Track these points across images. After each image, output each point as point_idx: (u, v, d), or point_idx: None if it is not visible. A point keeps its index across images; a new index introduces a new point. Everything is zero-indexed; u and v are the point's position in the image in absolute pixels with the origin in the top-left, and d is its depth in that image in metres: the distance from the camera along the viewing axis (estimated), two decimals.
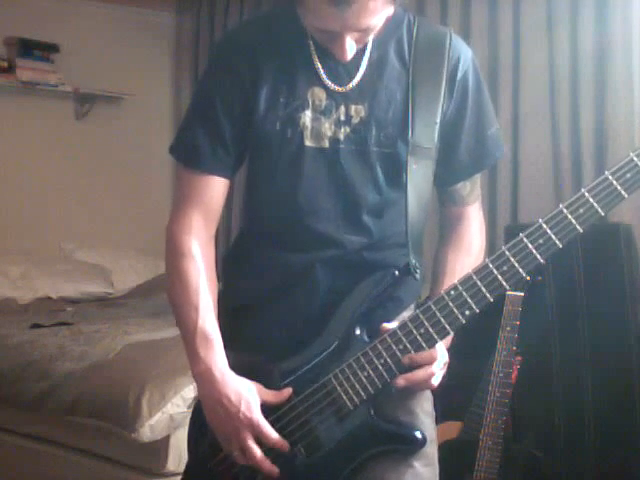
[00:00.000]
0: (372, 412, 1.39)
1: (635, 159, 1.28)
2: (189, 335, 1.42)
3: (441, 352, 1.40)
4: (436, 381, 1.40)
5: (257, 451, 1.37)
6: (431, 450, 1.45)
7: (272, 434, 1.38)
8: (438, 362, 1.39)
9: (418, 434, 1.40)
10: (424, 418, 1.47)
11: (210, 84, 1.49)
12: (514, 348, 2.49)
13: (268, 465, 1.38)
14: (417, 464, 1.41)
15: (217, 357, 1.41)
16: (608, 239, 2.82)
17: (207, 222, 1.48)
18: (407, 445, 1.41)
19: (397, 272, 1.41)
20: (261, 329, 1.48)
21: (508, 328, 2.49)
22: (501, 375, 2.48)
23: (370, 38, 1.40)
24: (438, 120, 1.44)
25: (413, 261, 1.42)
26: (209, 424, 1.43)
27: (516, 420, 2.76)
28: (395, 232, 1.47)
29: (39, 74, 4.46)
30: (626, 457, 2.73)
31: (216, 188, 1.48)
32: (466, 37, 3.76)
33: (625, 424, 2.73)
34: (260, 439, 1.38)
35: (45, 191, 4.60)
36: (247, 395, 1.38)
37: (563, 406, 2.82)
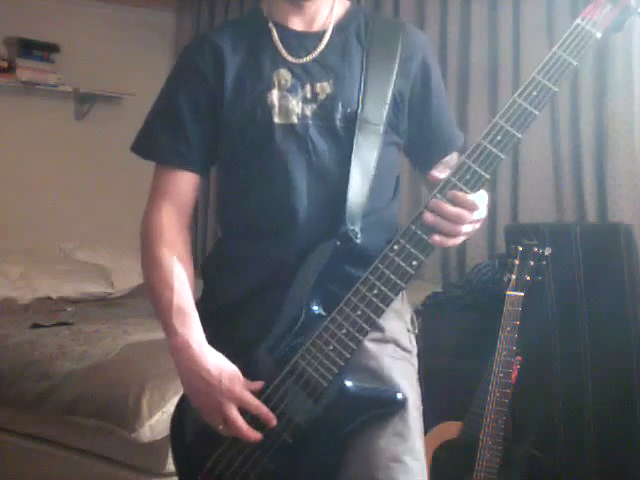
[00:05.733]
0: (347, 383, 1.39)
1: (537, 77, 1.36)
2: (165, 312, 1.45)
3: (481, 202, 1.36)
4: (466, 229, 1.37)
5: (241, 421, 1.38)
6: (419, 445, 1.45)
7: (255, 402, 1.38)
8: (478, 212, 1.36)
9: (399, 395, 1.40)
10: (409, 399, 1.44)
11: (174, 81, 1.57)
12: (514, 348, 2.49)
13: (252, 433, 1.38)
14: (407, 458, 1.40)
15: (194, 332, 1.43)
16: (608, 239, 2.82)
17: (179, 213, 1.53)
18: (388, 407, 1.40)
19: (338, 242, 1.41)
20: (243, 329, 1.48)
21: (508, 328, 2.49)
22: (501, 375, 2.48)
23: (331, 25, 1.51)
24: (388, 101, 1.48)
25: (351, 227, 1.42)
26: (190, 399, 1.44)
27: (516, 420, 2.76)
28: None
29: (39, 74, 4.46)
30: (626, 457, 2.73)
31: (182, 182, 1.53)
32: (466, 37, 3.77)
33: (625, 424, 2.73)
34: (244, 409, 1.38)
35: (45, 191, 4.60)
36: (227, 367, 1.40)
37: (563, 406, 2.82)
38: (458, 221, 1.34)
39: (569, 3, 3.39)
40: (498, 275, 2.90)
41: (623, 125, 3.25)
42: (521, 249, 2.54)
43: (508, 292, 2.51)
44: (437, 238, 1.34)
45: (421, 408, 1.50)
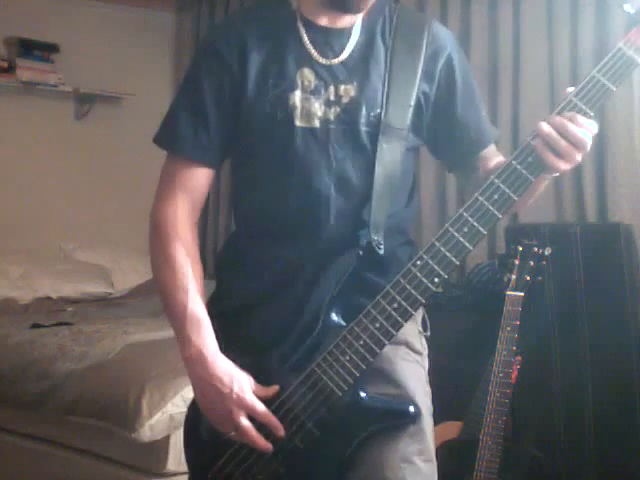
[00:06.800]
0: (361, 394, 1.38)
1: (574, 100, 1.30)
2: (179, 318, 1.43)
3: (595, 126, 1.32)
4: (582, 151, 1.31)
5: (252, 429, 1.38)
6: (430, 446, 1.45)
7: (264, 411, 1.38)
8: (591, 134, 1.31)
9: (411, 408, 1.39)
10: (421, 403, 1.44)
11: (198, 70, 1.50)
12: (514, 348, 2.49)
13: (263, 442, 1.38)
14: (417, 460, 1.41)
15: (208, 340, 1.42)
16: (608, 239, 2.82)
17: (192, 208, 1.50)
18: (400, 420, 1.40)
19: (361, 252, 1.40)
20: (256, 329, 1.47)
21: (508, 328, 2.49)
22: (501, 375, 2.48)
23: (358, 21, 1.47)
24: (412, 103, 1.45)
25: (375, 238, 1.41)
26: (201, 408, 1.43)
27: (516, 420, 2.76)
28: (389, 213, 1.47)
29: (39, 74, 4.46)
30: (626, 457, 2.73)
31: (199, 176, 1.50)
32: (466, 37, 3.77)
33: (625, 424, 2.73)
34: (253, 417, 1.38)
35: (45, 191, 4.60)
36: (239, 376, 1.40)
37: (563, 406, 2.82)
38: (579, 144, 1.30)
39: (569, 3, 3.40)
40: (498, 275, 2.90)
41: (623, 125, 3.25)
42: (521, 249, 2.54)
43: (508, 292, 2.51)
44: (552, 157, 1.30)
45: (431, 409, 1.50)
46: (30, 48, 4.45)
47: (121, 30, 4.87)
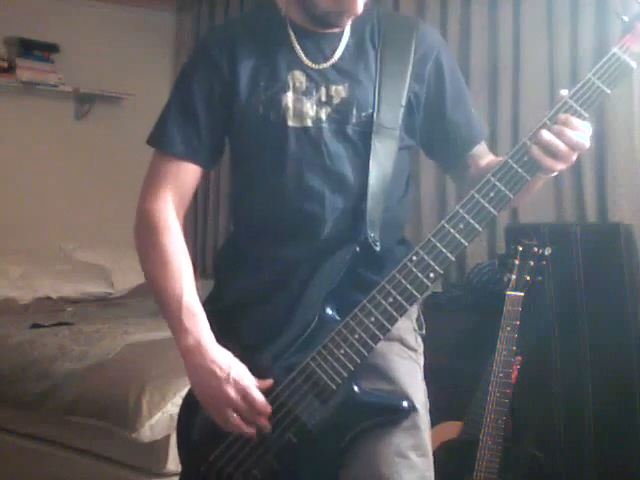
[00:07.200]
0: (355, 388, 1.39)
1: (569, 101, 1.33)
2: (175, 310, 1.44)
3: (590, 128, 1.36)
4: (578, 152, 1.34)
5: (249, 410, 1.39)
6: (426, 441, 1.46)
7: (260, 397, 1.39)
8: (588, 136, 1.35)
9: (404, 403, 1.40)
10: (416, 398, 1.45)
11: (189, 74, 1.54)
12: (514, 348, 2.49)
13: (264, 421, 1.39)
14: (412, 454, 1.41)
15: (204, 330, 1.43)
16: (608, 239, 2.82)
17: (180, 205, 1.52)
18: (393, 415, 1.40)
19: (358, 248, 1.42)
20: (252, 328, 1.49)
21: (508, 328, 2.49)
22: (501, 375, 2.48)
23: (347, 27, 1.50)
24: (404, 104, 1.48)
25: (372, 234, 1.43)
26: (198, 397, 1.44)
27: (516, 420, 2.76)
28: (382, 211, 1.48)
29: (39, 74, 4.47)
30: (626, 457, 2.73)
31: (187, 174, 1.52)
32: (466, 37, 3.77)
33: (625, 424, 2.73)
34: (249, 403, 1.39)
35: (45, 191, 4.60)
36: (236, 363, 1.41)
37: (563, 406, 2.82)
38: (576, 145, 1.33)
39: (569, 3, 3.39)
40: (498, 275, 2.90)
41: (623, 125, 3.25)
42: (521, 249, 2.54)
43: (508, 292, 2.51)
44: (549, 160, 1.33)
45: (427, 405, 1.51)
46: (30, 48, 4.45)
47: (121, 30, 4.87)
